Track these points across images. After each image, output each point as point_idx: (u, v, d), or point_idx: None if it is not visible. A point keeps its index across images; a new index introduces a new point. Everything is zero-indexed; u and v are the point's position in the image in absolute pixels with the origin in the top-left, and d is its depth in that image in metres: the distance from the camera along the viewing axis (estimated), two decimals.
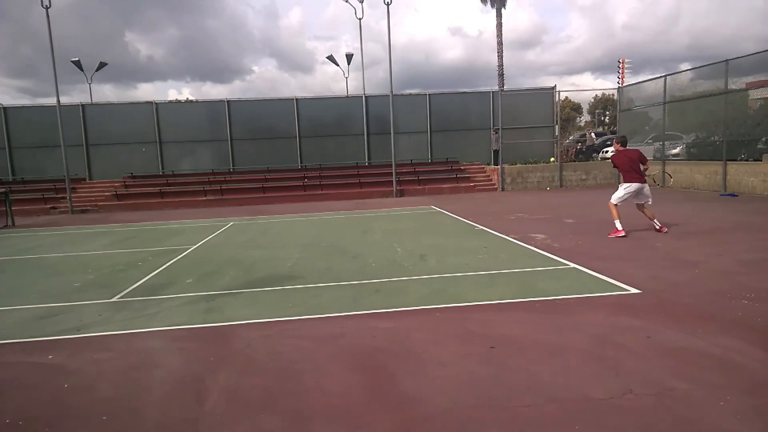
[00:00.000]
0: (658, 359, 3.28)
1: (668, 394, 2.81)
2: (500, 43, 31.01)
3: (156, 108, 19.80)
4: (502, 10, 30.68)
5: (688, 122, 15.77)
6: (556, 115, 20.04)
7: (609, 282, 5.17)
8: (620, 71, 40.60)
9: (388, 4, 17.19)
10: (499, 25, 30.78)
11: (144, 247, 8.93)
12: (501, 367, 3.29)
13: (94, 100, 24.11)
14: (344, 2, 21.51)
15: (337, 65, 29.76)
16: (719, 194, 13.23)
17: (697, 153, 15.30)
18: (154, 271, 6.74)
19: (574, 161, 21.62)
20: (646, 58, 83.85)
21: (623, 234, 7.54)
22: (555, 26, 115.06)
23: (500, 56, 31.06)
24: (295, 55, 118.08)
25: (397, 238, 8.63)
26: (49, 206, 16.91)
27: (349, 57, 28.62)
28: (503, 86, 30.11)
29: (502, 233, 8.50)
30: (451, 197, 16.53)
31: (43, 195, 17.39)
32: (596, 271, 5.58)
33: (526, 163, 18.81)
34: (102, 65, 29.11)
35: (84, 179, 19.37)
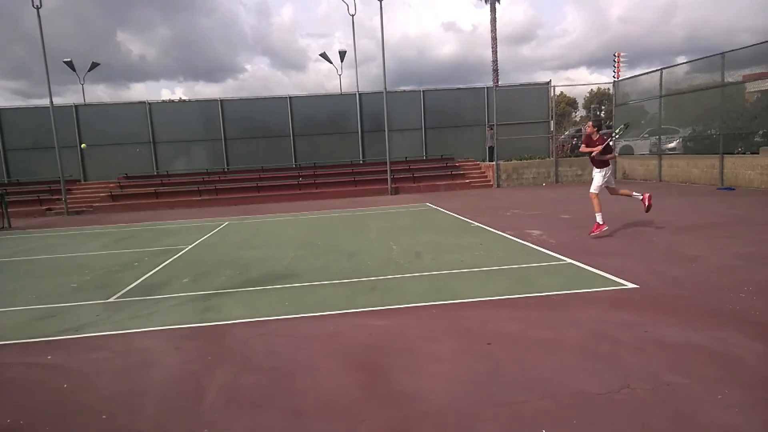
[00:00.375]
0: (656, 354, 3.29)
1: (665, 389, 2.81)
2: (494, 38, 30.96)
3: (149, 108, 19.72)
4: (497, 4, 30.63)
5: (685, 116, 15.79)
6: (552, 110, 20.06)
7: (606, 277, 5.17)
8: (616, 65, 40.59)
9: (380, 0, 17.14)
10: (494, 20, 30.73)
11: (140, 248, 8.90)
12: (497, 364, 3.29)
13: (87, 101, 24.01)
14: None
15: (331, 63, 29.72)
16: (716, 188, 13.27)
17: (693, 147, 15.32)
18: (151, 271, 6.72)
19: (570, 156, 21.65)
20: (642, 51, 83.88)
21: (606, 228, 7.22)
22: (550, 20, 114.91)
23: (494, 51, 31.02)
24: (288, 53, 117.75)
25: (393, 235, 8.62)
26: (44, 208, 16.84)
27: (342, 54, 28.55)
28: (498, 82, 30.09)
29: (497, 230, 8.51)
30: (447, 194, 16.53)
31: (38, 196, 17.31)
32: (593, 267, 5.58)
33: (521, 159, 18.82)
34: (94, 65, 28.98)
35: (79, 180, 19.30)
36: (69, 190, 17.46)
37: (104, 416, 2.89)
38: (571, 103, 59.16)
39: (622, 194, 7.71)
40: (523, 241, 7.35)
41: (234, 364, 3.51)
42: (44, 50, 15.53)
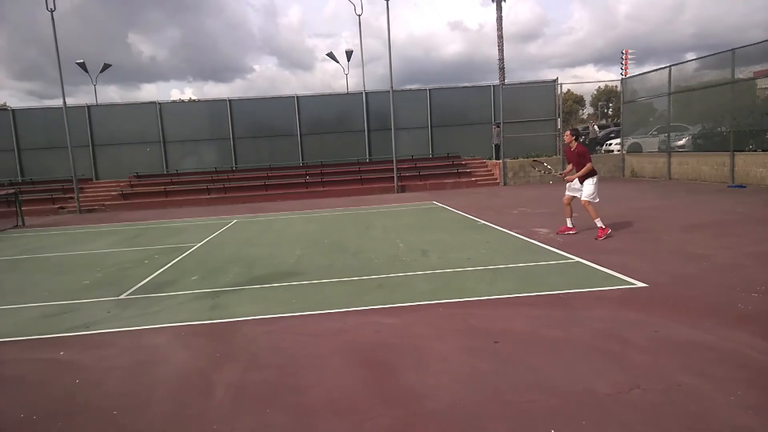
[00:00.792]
0: (666, 354, 3.25)
1: (676, 389, 2.78)
2: (501, 37, 30.77)
3: (159, 108, 19.86)
4: (503, 2, 30.44)
5: (694, 113, 15.60)
6: (558, 108, 19.91)
7: (614, 276, 5.13)
8: (623, 62, 40.19)
9: (387, 0, 17.10)
10: (500, 18, 30.53)
11: (150, 245, 8.97)
12: (505, 362, 3.28)
13: (99, 102, 24.22)
14: None
15: (337, 62, 29.71)
16: (727, 186, 13.10)
17: (703, 144, 15.14)
18: (160, 268, 6.77)
19: None
20: (650, 48, 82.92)
21: (610, 231, 7.15)
22: (557, 18, 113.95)
23: (501, 50, 30.83)
24: (295, 53, 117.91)
25: (399, 233, 8.61)
26: (57, 206, 17.04)
27: (348, 54, 28.53)
28: (504, 80, 29.93)
29: (504, 228, 8.47)
30: (453, 192, 16.48)
31: (51, 195, 17.51)
32: (601, 265, 5.54)
33: (528, 157, 18.72)
34: (106, 67, 29.22)
35: (90, 179, 19.50)
36: (81, 188, 17.64)
37: (115, 412, 2.92)
38: (579, 100, 58.71)
39: (569, 209, 7.64)
40: (530, 239, 7.31)
41: (242, 361, 3.53)
42: (58, 52, 15.68)
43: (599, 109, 56.59)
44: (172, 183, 18.62)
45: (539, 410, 2.65)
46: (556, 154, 19.41)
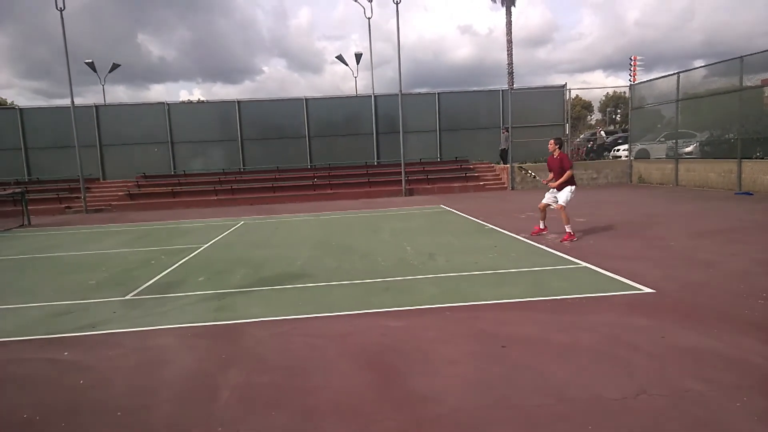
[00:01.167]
0: (673, 360, 3.24)
1: (683, 395, 2.77)
2: (510, 41, 30.81)
3: (168, 109, 20.00)
4: (512, 8, 30.50)
5: (702, 120, 15.52)
6: (567, 113, 19.86)
7: (622, 281, 5.11)
8: (632, 69, 40.06)
9: (397, 3, 17.16)
10: (509, 23, 30.58)
11: (156, 246, 9.03)
12: (512, 367, 3.27)
13: (108, 101, 24.45)
14: (353, 2, 21.50)
15: (346, 65, 29.80)
16: (734, 193, 13.02)
17: (710, 151, 15.06)
18: (167, 269, 6.81)
19: (585, 160, 21.42)
20: (659, 55, 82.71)
21: (576, 239, 7.45)
22: (566, 23, 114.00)
23: (510, 54, 30.87)
24: (305, 55, 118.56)
25: (407, 237, 8.62)
26: (63, 206, 17.16)
27: (358, 56, 28.63)
28: (513, 85, 29.92)
29: (512, 232, 8.45)
30: (461, 196, 16.47)
31: (58, 195, 17.66)
32: (609, 271, 5.52)
33: (536, 162, 18.66)
34: (115, 66, 29.46)
35: (98, 179, 19.64)
36: (88, 188, 17.78)
37: (119, 413, 2.93)
38: (587, 106, 58.53)
39: (545, 214, 7.99)
40: (538, 244, 7.30)
41: (248, 363, 3.55)
42: (66, 51, 15.85)
43: (607, 115, 56.38)
44: (180, 184, 18.73)
45: (546, 415, 2.64)
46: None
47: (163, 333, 4.27)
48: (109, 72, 29.65)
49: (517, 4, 34.44)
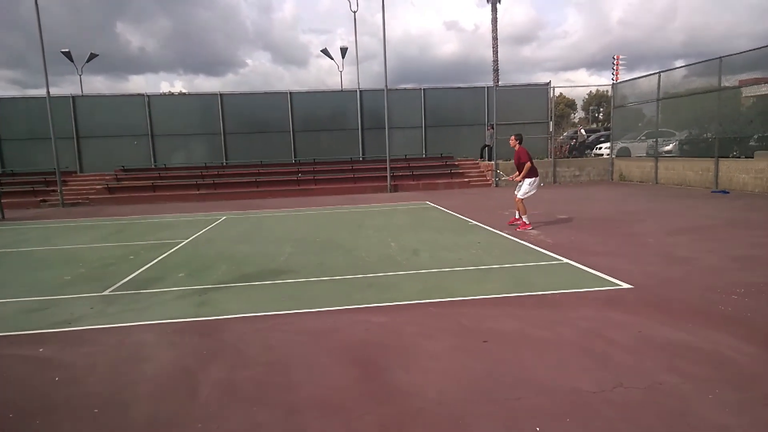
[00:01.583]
0: (649, 353, 3.31)
1: (658, 388, 2.84)
2: (495, 38, 31.01)
3: (148, 101, 19.64)
4: (498, 4, 30.67)
5: (682, 119, 15.85)
6: (551, 111, 20.09)
7: (601, 277, 5.20)
8: (615, 68, 40.69)
9: None
10: (495, 20, 30.77)
11: (136, 241, 8.87)
12: (493, 361, 3.30)
13: (85, 92, 23.82)
14: None
15: (332, 59, 29.62)
16: (711, 191, 13.35)
17: (689, 150, 15.40)
18: (146, 264, 6.70)
19: (568, 158, 21.70)
20: (641, 54, 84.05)
21: (531, 227, 8.10)
22: (551, 22, 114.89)
23: (495, 51, 31.08)
24: (289, 48, 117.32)
25: (391, 233, 8.63)
26: (39, 199, 16.73)
27: (343, 51, 28.46)
28: (498, 82, 30.11)
29: (495, 228, 8.53)
30: (445, 192, 16.54)
31: (33, 188, 17.21)
32: (589, 267, 5.61)
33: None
34: (92, 56, 28.74)
35: (75, 172, 19.21)
36: (65, 181, 17.36)
37: (96, 410, 2.87)
38: (570, 104, 59.20)
39: (517, 207, 8.46)
40: (520, 240, 7.37)
41: (229, 359, 3.51)
42: (42, 40, 15.40)
43: (590, 113, 57.15)
44: (160, 178, 18.41)
45: (526, 408, 2.68)
46: (547, 157, 19.59)
47: (142, 329, 4.19)
48: (87, 62, 28.92)
49: (502, 1, 34.64)
